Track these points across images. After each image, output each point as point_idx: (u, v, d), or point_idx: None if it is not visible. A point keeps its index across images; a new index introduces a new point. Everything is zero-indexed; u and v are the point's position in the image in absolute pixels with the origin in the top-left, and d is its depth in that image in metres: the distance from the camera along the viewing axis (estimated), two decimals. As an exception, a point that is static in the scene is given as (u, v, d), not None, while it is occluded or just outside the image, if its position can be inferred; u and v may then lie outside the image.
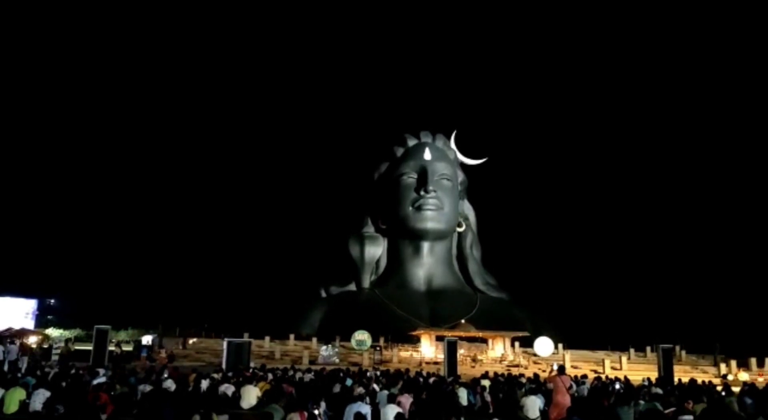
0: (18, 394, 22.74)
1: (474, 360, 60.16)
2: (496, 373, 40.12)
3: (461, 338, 59.71)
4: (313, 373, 35.36)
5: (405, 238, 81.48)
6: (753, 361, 61.73)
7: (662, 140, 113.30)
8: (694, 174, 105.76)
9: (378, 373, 38.46)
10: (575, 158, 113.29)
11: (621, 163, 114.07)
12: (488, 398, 27.80)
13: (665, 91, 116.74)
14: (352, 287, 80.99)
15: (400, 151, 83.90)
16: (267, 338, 65.41)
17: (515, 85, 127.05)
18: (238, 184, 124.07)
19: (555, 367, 31.84)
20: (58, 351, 53.47)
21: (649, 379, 38.37)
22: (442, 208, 79.38)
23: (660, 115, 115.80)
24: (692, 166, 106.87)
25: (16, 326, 69.69)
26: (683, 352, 67.27)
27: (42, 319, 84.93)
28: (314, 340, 65.99)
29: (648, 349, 69.29)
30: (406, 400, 22.73)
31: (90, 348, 45.70)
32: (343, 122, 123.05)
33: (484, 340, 66.24)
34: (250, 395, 23.94)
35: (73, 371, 31.28)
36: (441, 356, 54.53)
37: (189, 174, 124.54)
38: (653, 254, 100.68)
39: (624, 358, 60.59)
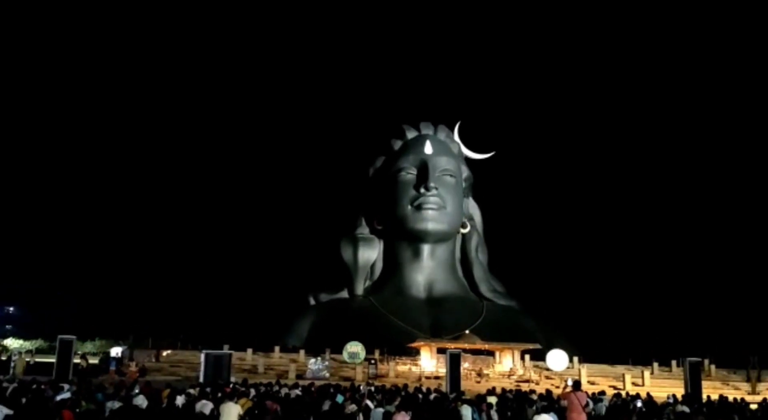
0: (-28, 412, 22.55)
1: (479, 375, 60.21)
2: (504, 390, 40.22)
3: (465, 351, 59.75)
4: (300, 389, 35.33)
5: (403, 241, 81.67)
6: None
7: (687, 138, 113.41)
8: (721, 172, 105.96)
9: (372, 388, 38.22)
10: (592, 152, 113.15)
11: (644, 158, 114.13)
12: (495, 417, 27.96)
13: (684, 80, 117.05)
14: (344, 294, 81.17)
15: (397, 145, 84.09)
16: (249, 350, 65.24)
17: (524, 71, 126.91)
18: (217, 180, 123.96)
19: (569, 383, 31.83)
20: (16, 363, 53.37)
21: (674, 396, 38.29)
22: (444, 207, 79.54)
23: (683, 109, 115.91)
24: (717, 164, 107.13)
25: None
26: (713, 367, 67.34)
27: (0, 329, 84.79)
28: (302, 352, 65.94)
29: (673, 362, 69.39)
30: (404, 418, 22.64)
31: (53, 360, 45.55)
32: (334, 112, 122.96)
33: (491, 353, 66.25)
34: (231, 413, 23.86)
35: (34, 386, 31.08)
36: (443, 370, 54.57)
37: (162, 169, 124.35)
38: (680, 257, 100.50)
39: (647, 373, 60.52)
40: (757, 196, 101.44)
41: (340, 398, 30.54)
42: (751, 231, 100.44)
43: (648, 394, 39.60)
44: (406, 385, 39.93)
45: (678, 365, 65.89)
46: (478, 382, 56.22)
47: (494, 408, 29.10)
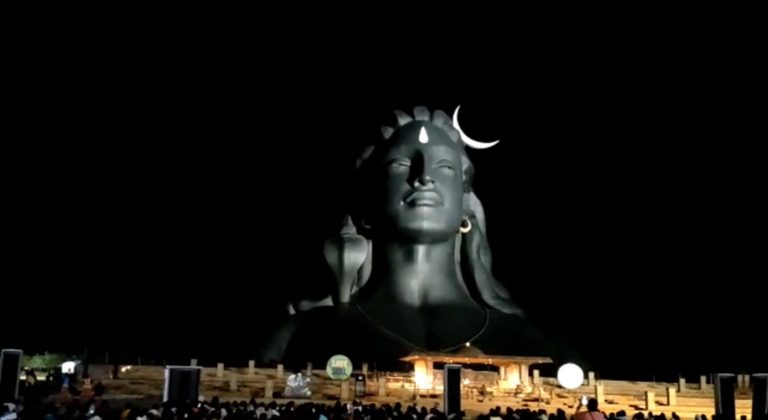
0: None
1: (482, 393, 60.24)
2: (509, 409, 40.15)
3: (466, 365, 59.89)
4: (278, 409, 35.40)
5: (395, 241, 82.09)
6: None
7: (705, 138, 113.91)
8: (745, 173, 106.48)
9: (360, 408, 38.62)
10: (611, 140, 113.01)
11: (668, 156, 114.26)
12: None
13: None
14: (328, 302, 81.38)
15: (388, 132, 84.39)
16: (220, 365, 65.42)
17: (532, 49, 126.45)
18: (183, 174, 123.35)
19: (584, 402, 32.46)
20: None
21: (703, 416, 38.29)
22: (441, 203, 79.84)
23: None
24: (741, 164, 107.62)
25: None
26: (747, 382, 67.03)
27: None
28: (280, 367, 66.08)
29: (702, 378, 69.52)
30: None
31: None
32: (315, 97, 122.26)
33: (495, 368, 66.55)
34: (199, 435, 23.60)
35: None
36: (440, 388, 54.59)
37: (123, 167, 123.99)
38: (712, 258, 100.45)
39: (672, 391, 60.53)
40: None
41: (323, 418, 31.00)
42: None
43: (674, 414, 39.53)
44: (398, 405, 40.08)
45: (708, 381, 65.99)
46: (481, 401, 56.20)
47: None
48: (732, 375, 51.91)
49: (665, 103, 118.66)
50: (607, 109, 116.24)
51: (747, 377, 63.54)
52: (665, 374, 69.58)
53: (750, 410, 46.97)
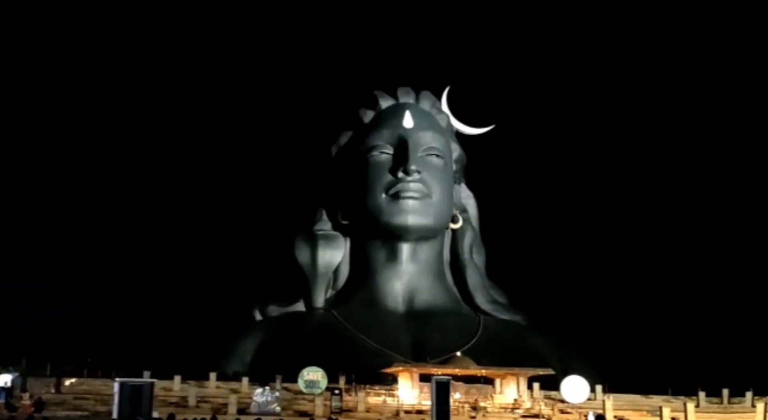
0: None
1: (474, 408, 60.08)
2: None
3: (456, 378, 60.17)
4: None
5: (376, 239, 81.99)
6: None
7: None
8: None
9: None
10: (621, 127, 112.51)
11: (683, 152, 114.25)
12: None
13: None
14: (300, 307, 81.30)
15: (368, 116, 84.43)
16: (177, 378, 64.69)
17: (532, 23, 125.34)
18: (135, 165, 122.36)
19: (591, 418, 32.38)
20: None
21: None
22: (428, 196, 79.77)
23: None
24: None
25: None
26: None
27: None
28: (245, 380, 65.44)
29: (725, 392, 69.30)
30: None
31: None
32: (285, 74, 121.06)
33: (490, 381, 66.61)
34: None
35: None
36: (427, 403, 54.47)
37: (65, 159, 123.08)
38: (736, 260, 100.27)
39: (690, 406, 59.61)
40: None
41: None
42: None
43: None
44: None
45: (733, 396, 66.14)
46: (473, 418, 56.39)
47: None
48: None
49: (672, 93, 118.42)
50: (618, 90, 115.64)
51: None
52: (683, 387, 69.46)
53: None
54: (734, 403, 65.39)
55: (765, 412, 48.71)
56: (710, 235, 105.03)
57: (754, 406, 61.58)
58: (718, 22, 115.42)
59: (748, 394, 66.52)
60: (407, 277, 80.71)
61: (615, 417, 55.81)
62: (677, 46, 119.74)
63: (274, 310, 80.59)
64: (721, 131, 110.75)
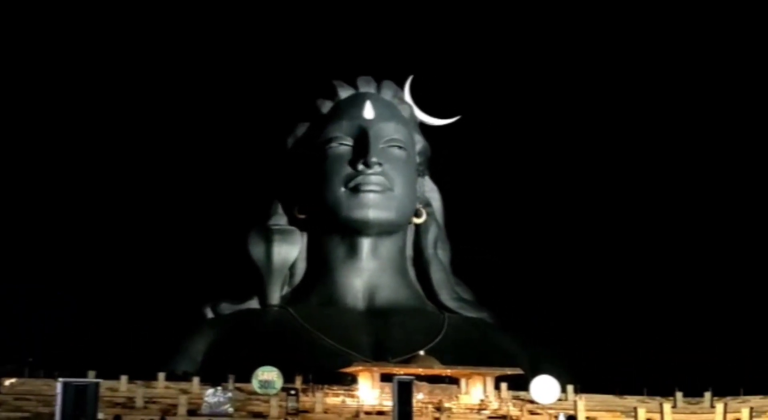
0: None
1: (439, 409, 59.54)
2: None
3: (420, 378, 59.99)
4: None
5: (335, 234, 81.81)
6: None
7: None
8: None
9: None
10: (591, 118, 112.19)
11: (656, 145, 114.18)
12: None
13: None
14: (254, 304, 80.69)
15: (326, 106, 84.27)
16: (123, 378, 63.97)
17: (497, 10, 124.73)
18: (77, 155, 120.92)
19: (562, 419, 32.84)
20: None
21: None
22: (390, 189, 79.68)
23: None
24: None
25: None
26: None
27: None
28: (195, 380, 64.61)
29: (707, 394, 68.34)
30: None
31: None
32: (240, 64, 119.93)
33: (455, 381, 66.17)
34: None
35: None
36: (388, 403, 54.31)
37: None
38: (712, 256, 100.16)
39: (667, 406, 59.41)
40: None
41: None
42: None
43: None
44: None
45: (715, 396, 65.77)
46: (438, 419, 56.16)
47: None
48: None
49: (638, 80, 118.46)
50: (585, 81, 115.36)
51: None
52: (659, 387, 68.89)
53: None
54: (691, 404, 65.42)
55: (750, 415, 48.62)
56: (683, 234, 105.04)
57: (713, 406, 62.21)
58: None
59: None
60: (368, 274, 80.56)
61: (587, 418, 55.90)
62: (639, 31, 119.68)
63: (226, 308, 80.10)
64: (699, 121, 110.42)
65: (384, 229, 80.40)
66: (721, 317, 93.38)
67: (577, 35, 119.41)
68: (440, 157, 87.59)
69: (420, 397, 58.92)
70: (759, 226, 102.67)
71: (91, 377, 52.94)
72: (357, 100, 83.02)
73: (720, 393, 66.31)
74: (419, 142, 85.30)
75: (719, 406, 59.15)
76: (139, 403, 57.09)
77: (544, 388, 60.44)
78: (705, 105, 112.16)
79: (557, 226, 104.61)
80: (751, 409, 56.85)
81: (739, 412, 57.44)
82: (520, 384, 64.74)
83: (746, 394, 65.83)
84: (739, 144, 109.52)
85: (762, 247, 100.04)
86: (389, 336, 73.97)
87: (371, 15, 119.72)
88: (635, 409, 57.39)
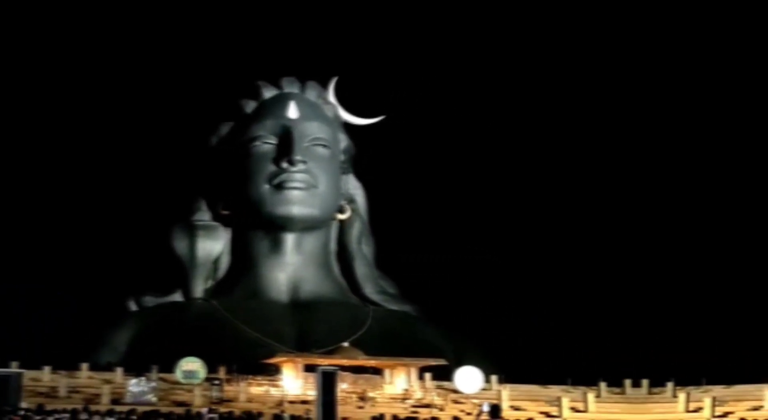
0: None
1: (362, 398, 59.37)
2: (395, 417, 44.22)
3: (343, 368, 58.95)
4: (116, 417, 37.43)
5: (258, 229, 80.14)
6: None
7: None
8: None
9: (216, 416, 41.56)
10: (514, 112, 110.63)
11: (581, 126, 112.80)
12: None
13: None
14: (178, 297, 79.13)
15: (250, 106, 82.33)
16: (47, 368, 61.73)
17: (422, 11, 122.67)
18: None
19: (485, 409, 33.27)
20: None
21: None
22: (314, 186, 78.17)
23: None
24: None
25: None
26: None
27: None
28: (119, 370, 62.64)
29: (627, 382, 68.06)
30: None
31: None
32: (162, 63, 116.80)
33: (379, 372, 65.51)
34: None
35: None
36: (312, 393, 54.46)
37: None
38: (633, 247, 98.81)
39: (590, 396, 59.92)
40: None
41: None
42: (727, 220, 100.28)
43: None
44: (261, 413, 43.60)
45: (633, 385, 65.63)
46: (361, 408, 55.87)
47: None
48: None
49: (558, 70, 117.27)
50: (510, 82, 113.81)
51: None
52: (583, 377, 68.31)
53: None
54: (655, 393, 64.54)
55: (687, 402, 48.38)
56: (602, 217, 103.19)
57: (675, 396, 61.57)
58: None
59: (669, 385, 65.51)
60: (292, 268, 79.06)
61: (511, 407, 55.41)
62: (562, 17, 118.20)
63: (150, 301, 78.11)
64: (663, 111, 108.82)
65: (308, 225, 79.15)
66: (645, 309, 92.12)
67: (494, 37, 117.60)
68: (366, 155, 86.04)
69: (344, 386, 58.06)
70: (700, 206, 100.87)
71: (13, 367, 52.18)
72: (281, 100, 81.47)
73: (683, 383, 65.65)
74: (343, 141, 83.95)
75: (681, 396, 58.99)
76: (63, 392, 55.84)
77: (468, 378, 59.66)
78: (667, 97, 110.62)
79: (479, 222, 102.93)
80: (714, 398, 56.70)
81: (701, 401, 57.26)
82: (445, 375, 63.84)
83: (709, 384, 65.72)
84: (688, 142, 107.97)
85: (714, 230, 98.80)
86: (313, 328, 73.01)
87: (296, 15, 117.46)
88: (559, 398, 57.67)
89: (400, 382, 63.46)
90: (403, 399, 60.33)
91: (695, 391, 61.39)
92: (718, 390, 61.83)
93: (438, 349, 68.98)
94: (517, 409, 55.95)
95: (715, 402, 56.47)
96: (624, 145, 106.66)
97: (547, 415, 53.28)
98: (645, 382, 66.86)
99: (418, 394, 61.61)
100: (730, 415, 55.41)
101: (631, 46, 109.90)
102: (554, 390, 65.45)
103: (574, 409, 56.43)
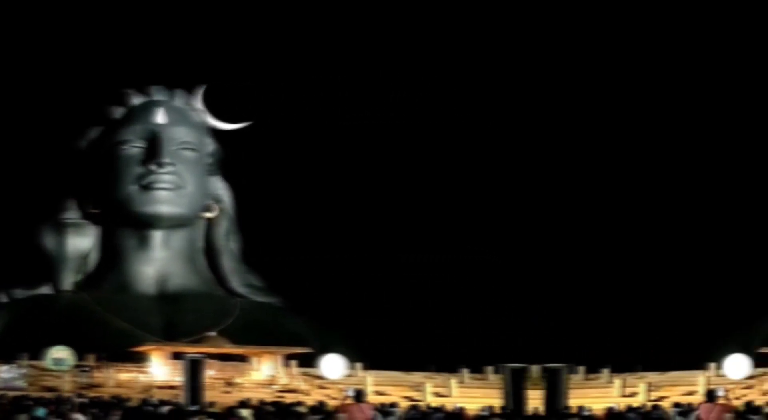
0: None
1: (229, 384, 59.60)
2: (262, 401, 42.90)
3: (210, 356, 58.75)
4: None
5: (127, 227, 78.93)
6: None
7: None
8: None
9: (87, 400, 40.15)
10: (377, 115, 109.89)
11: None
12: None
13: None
14: (48, 290, 77.49)
15: (119, 112, 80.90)
16: None
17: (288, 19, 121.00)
18: None
19: (350, 393, 34.59)
20: None
21: (490, 408, 41.62)
22: (182, 187, 77.32)
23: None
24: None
25: None
26: (539, 373, 67.32)
27: None
28: (-10, 358, 64.10)
29: (489, 369, 68.29)
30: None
31: None
32: (31, 69, 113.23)
33: (246, 359, 65.53)
34: None
35: None
36: (179, 379, 53.83)
37: None
38: (496, 243, 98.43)
39: (453, 381, 61.38)
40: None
41: (41, 411, 31.82)
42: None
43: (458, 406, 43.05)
44: (128, 397, 43.35)
45: (496, 372, 65.16)
46: (228, 393, 55.80)
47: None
48: (523, 365, 54.55)
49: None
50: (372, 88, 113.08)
51: (537, 368, 63.48)
52: (447, 365, 68.50)
53: (542, 402, 51.18)
54: (591, 379, 64.64)
55: (623, 387, 49.90)
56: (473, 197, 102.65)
57: (611, 382, 62.33)
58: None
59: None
60: (159, 263, 77.97)
61: (376, 392, 55.72)
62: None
63: (19, 293, 76.22)
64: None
65: (175, 223, 78.28)
66: (502, 300, 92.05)
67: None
68: (233, 157, 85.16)
69: (211, 373, 57.42)
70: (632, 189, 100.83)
71: None
72: (149, 107, 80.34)
73: (619, 370, 65.98)
74: (210, 145, 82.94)
75: (617, 381, 60.19)
76: (-70, 379, 55.50)
77: (333, 365, 60.60)
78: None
79: (339, 218, 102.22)
80: (649, 384, 58.19)
81: (636, 387, 58.56)
82: (310, 362, 64.10)
83: (645, 370, 66.03)
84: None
85: (644, 214, 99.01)
86: (180, 318, 72.20)
87: (165, 23, 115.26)
88: (423, 384, 59.43)
89: (266, 369, 63.61)
90: (269, 384, 60.41)
91: (631, 377, 62.28)
92: (654, 376, 62.77)
93: (303, 338, 69.38)
94: (381, 393, 56.26)
95: (651, 387, 57.94)
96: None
97: (411, 399, 53.63)
98: (581, 368, 66.47)
99: (283, 380, 61.87)
100: (665, 399, 55.56)
101: (605, 41, 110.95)
102: (416, 376, 66.14)
103: (439, 394, 57.46)
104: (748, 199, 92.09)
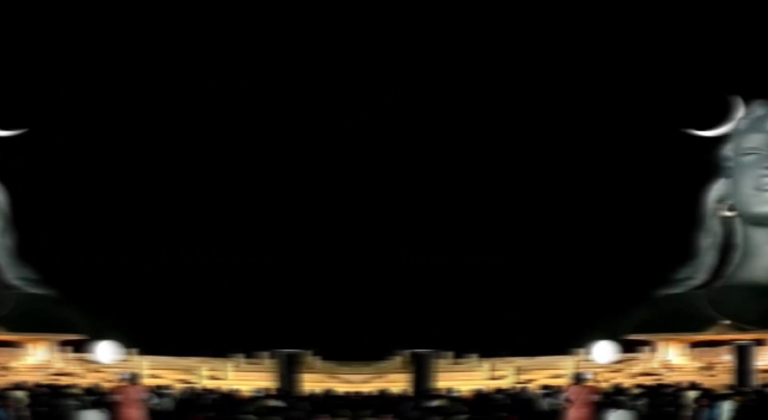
0: None
1: (5, 368, 59.46)
2: (38, 383, 43.16)
3: None
4: None
5: None
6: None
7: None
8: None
9: None
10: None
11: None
12: (27, 413, 31.09)
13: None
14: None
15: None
16: None
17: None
18: None
19: (125, 376, 35.69)
20: None
21: (266, 390, 42.30)
22: None
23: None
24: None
25: None
26: (317, 359, 67.41)
27: None
28: None
29: (265, 354, 67.95)
30: None
31: None
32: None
33: (21, 346, 64.88)
34: None
35: None
36: None
37: None
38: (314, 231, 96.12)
39: (229, 365, 62.10)
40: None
41: None
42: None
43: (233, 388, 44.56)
44: None
45: (271, 357, 65.39)
46: (4, 376, 55.06)
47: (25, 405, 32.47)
48: (297, 351, 56.52)
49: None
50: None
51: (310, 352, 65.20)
52: (223, 350, 68.51)
53: (411, 385, 53.24)
54: (461, 363, 65.33)
55: (492, 370, 51.26)
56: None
57: (480, 365, 63.19)
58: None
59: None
60: None
61: (152, 376, 55.62)
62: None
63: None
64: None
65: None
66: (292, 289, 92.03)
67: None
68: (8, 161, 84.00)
69: None
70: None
71: None
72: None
73: (487, 354, 66.50)
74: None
75: (486, 365, 60.94)
76: None
77: (107, 350, 60.12)
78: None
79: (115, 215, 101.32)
80: (518, 368, 59.52)
81: (505, 370, 59.50)
82: (85, 348, 63.88)
83: (513, 355, 66.78)
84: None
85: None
86: None
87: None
88: (199, 368, 60.22)
89: (41, 354, 63.29)
90: (45, 368, 59.93)
91: (499, 362, 62.94)
92: (522, 361, 63.61)
93: (77, 326, 68.18)
94: (157, 377, 56.10)
95: (519, 371, 59.25)
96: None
97: (186, 382, 53.63)
98: (450, 353, 66.92)
99: (59, 364, 61.57)
100: (533, 382, 56.43)
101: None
102: (191, 360, 66.36)
103: (215, 378, 57.97)
104: (621, 185, 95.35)
